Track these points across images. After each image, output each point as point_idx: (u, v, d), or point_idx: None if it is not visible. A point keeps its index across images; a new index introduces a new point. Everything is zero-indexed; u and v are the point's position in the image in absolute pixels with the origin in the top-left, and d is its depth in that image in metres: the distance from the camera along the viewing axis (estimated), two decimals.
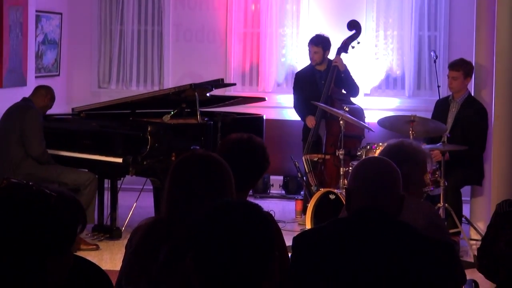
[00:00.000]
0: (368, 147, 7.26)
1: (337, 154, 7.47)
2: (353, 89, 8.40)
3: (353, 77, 8.45)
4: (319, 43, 8.37)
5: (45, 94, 7.39)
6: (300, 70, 8.78)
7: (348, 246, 2.81)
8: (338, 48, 8.36)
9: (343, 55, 8.34)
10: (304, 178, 8.14)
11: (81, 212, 2.23)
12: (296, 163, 7.99)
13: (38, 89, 7.48)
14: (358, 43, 8.41)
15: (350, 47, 8.35)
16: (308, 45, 8.44)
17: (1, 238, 2.09)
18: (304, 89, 8.45)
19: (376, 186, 2.88)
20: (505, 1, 7.16)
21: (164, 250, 2.82)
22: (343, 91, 8.37)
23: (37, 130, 7.22)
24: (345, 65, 8.28)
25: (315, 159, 8.05)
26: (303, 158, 8.10)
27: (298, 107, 8.54)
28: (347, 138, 7.64)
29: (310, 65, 8.53)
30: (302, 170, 8.08)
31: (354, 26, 8.41)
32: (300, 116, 8.55)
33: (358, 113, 8.04)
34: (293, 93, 8.62)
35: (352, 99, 8.41)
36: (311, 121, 8.24)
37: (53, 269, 2.14)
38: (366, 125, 7.81)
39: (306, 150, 8.15)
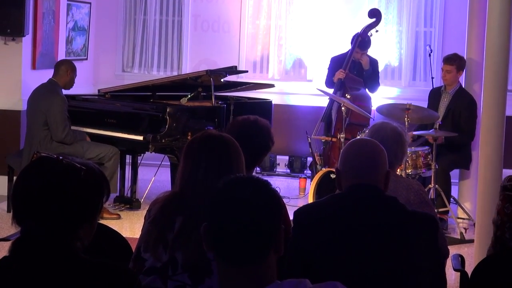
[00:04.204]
0: (367, 131, 7.23)
1: (338, 137, 7.46)
2: (372, 86, 8.24)
3: (378, 75, 8.29)
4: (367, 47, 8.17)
5: (65, 70, 7.22)
6: (336, 56, 8.41)
7: (343, 218, 2.81)
8: (357, 34, 8.11)
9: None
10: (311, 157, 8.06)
11: (106, 183, 2.24)
12: (309, 140, 7.84)
13: (59, 66, 7.29)
14: (377, 31, 8.18)
15: (368, 35, 8.10)
16: (359, 49, 8.13)
17: (41, 209, 2.10)
18: (335, 72, 8.15)
19: (367, 165, 2.88)
20: (496, 1, 7.12)
21: (179, 220, 2.83)
22: (358, 80, 8.13)
23: (60, 117, 7.08)
24: (369, 63, 8.09)
25: (323, 141, 8.01)
26: (312, 138, 7.97)
27: (328, 84, 8.26)
28: (354, 125, 7.60)
29: (346, 53, 8.24)
30: (315, 148, 7.93)
31: (375, 14, 8.18)
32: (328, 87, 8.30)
33: (365, 98, 7.94)
34: (327, 73, 8.34)
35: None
36: (340, 74, 8.00)
37: (83, 234, 2.16)
38: (364, 112, 7.72)
39: (314, 132, 8.07)
